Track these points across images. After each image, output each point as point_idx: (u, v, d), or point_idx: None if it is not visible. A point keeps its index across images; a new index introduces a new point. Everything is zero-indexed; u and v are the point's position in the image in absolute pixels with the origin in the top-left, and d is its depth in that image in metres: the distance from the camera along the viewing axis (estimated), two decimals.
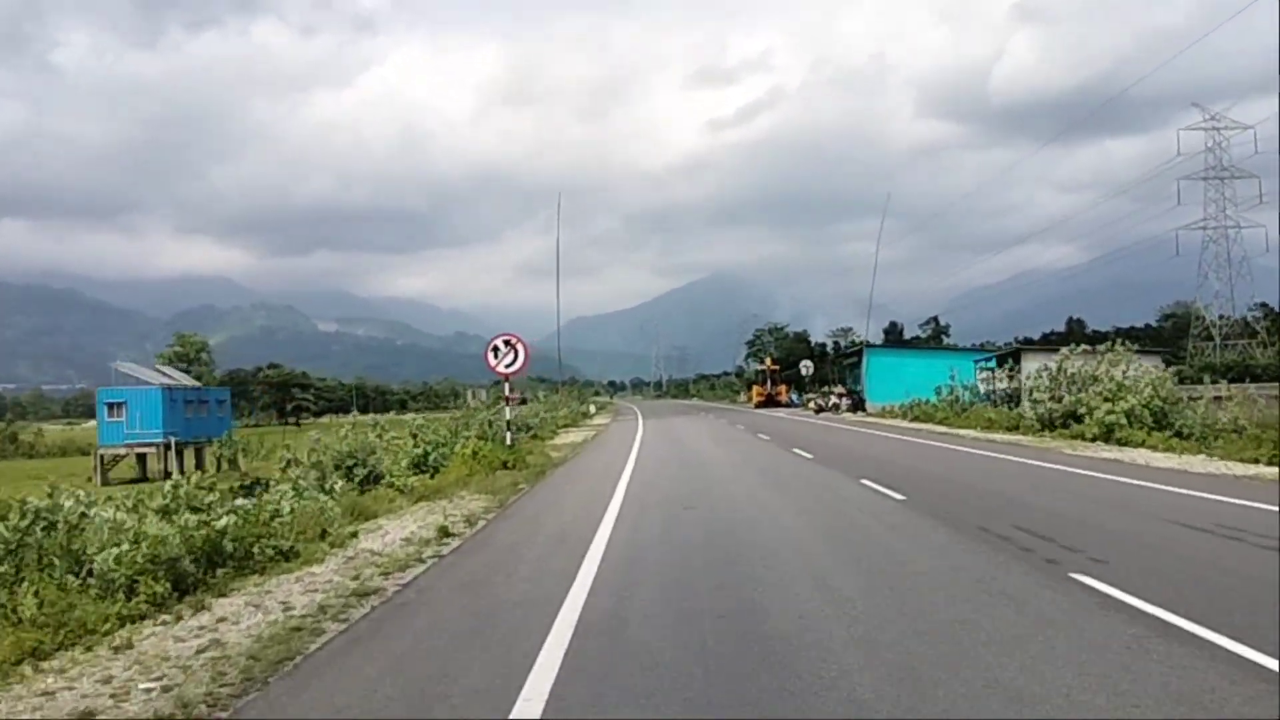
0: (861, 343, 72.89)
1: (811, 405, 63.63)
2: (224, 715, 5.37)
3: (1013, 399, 36.23)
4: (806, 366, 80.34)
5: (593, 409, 78.37)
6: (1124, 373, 26.89)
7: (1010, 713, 4.77)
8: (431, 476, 20.04)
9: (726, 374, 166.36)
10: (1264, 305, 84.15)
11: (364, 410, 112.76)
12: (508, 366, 24.19)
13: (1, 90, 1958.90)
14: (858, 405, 55.15)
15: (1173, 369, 31.67)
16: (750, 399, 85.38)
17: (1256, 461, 17.82)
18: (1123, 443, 23.64)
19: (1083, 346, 30.41)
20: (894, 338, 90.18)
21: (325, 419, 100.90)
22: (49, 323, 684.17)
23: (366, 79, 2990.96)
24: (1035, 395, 30.20)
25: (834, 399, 57.83)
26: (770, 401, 79.10)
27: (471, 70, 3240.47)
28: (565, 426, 49.44)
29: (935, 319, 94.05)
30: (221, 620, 7.61)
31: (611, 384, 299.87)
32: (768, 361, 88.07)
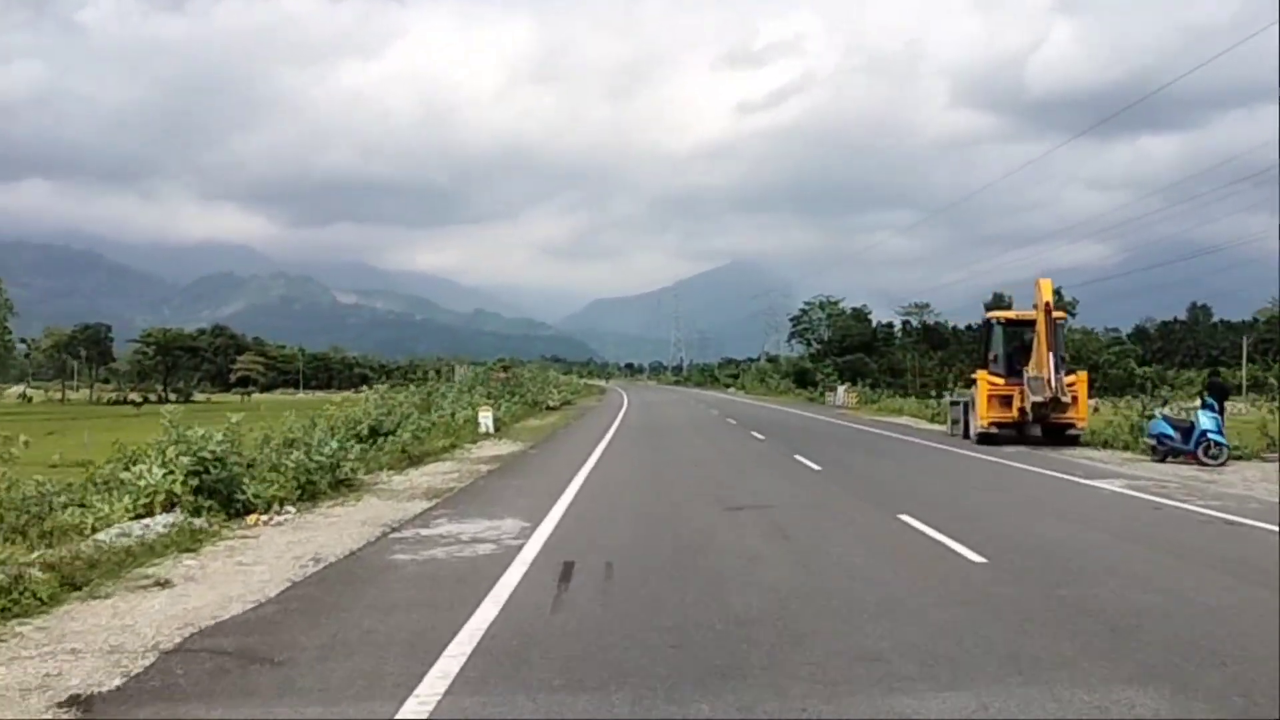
0: None
1: None
2: None
3: None
4: None
5: (480, 422, 32.75)
6: None
7: None
8: None
9: (751, 359, 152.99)
10: None
11: (326, 385, 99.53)
12: None
13: (24, 49, 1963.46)
14: None
15: None
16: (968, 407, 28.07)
17: None
18: None
19: None
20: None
21: (276, 393, 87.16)
22: (67, 284, 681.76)
23: (392, 51, 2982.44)
24: None
25: None
26: (1043, 419, 25.00)
27: (498, 45, 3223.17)
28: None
29: (1058, 291, 77.69)
30: None
31: (629, 366, 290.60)
32: (1043, 289, 25.12)
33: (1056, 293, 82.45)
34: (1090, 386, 32.91)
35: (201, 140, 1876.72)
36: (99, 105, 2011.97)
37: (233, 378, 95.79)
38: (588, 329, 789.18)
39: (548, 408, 47.27)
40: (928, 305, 73.09)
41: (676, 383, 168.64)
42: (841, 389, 57.79)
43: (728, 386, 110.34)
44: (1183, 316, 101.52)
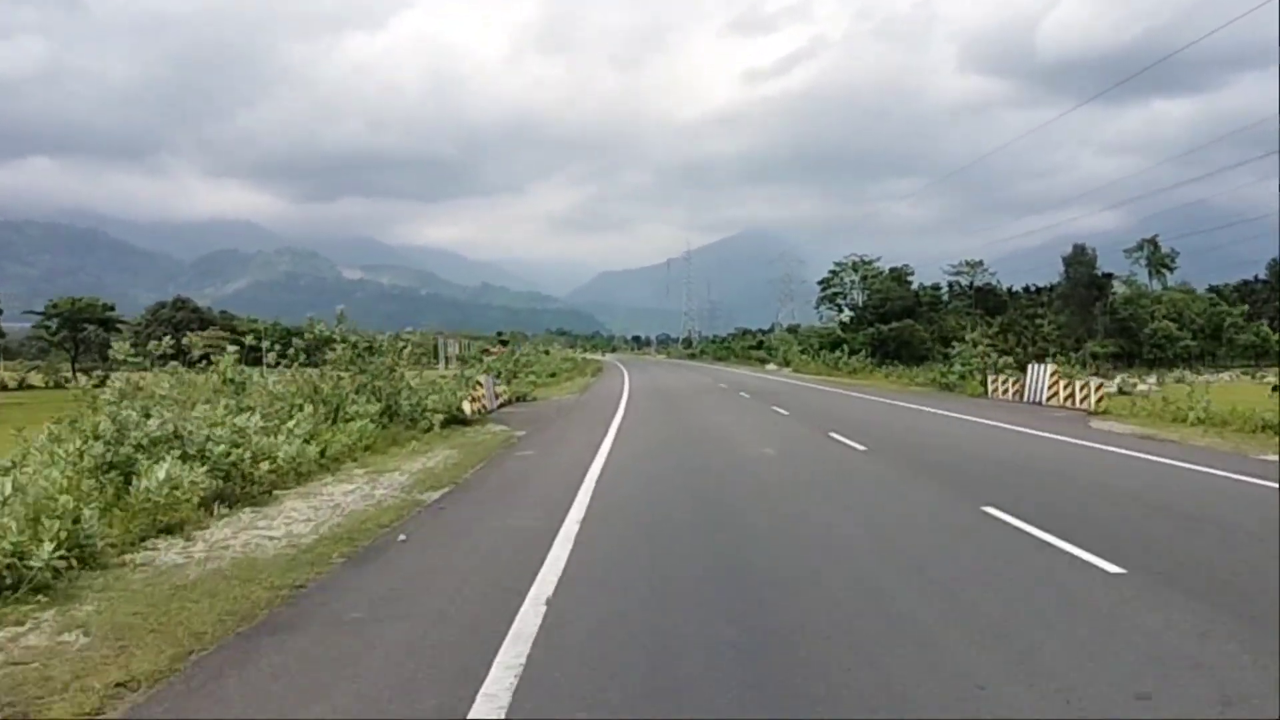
0: None
1: None
2: None
3: None
4: None
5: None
6: None
7: None
8: None
9: (763, 330, 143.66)
10: None
11: (306, 363, 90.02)
12: None
13: (27, 24, 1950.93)
14: None
15: None
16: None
17: None
18: None
19: None
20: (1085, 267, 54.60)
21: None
22: (72, 262, 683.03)
23: (399, 21, 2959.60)
24: None
25: None
26: None
27: (505, 14, 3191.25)
28: None
29: (1153, 240, 66.83)
30: None
31: (636, 339, 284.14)
32: None
33: (1152, 243, 72.88)
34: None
35: (207, 115, 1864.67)
36: (103, 80, 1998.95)
37: (194, 354, 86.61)
38: (596, 301, 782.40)
39: (451, 420, 21.66)
40: (980, 263, 62.45)
41: (691, 356, 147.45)
42: (1044, 371, 30.08)
43: (764, 363, 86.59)
44: (1248, 277, 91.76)
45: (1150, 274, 72.96)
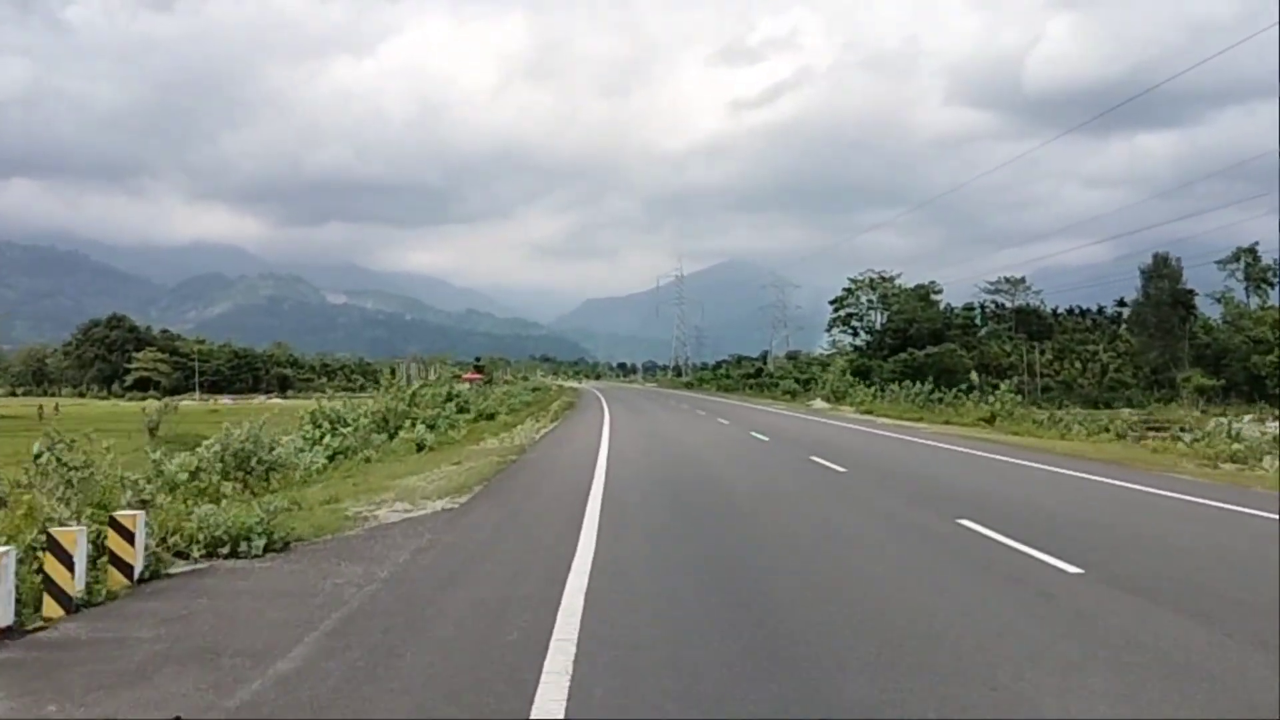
0: None
1: None
2: None
3: None
4: None
5: None
6: None
7: None
8: None
9: (750, 358, 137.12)
10: None
11: (253, 388, 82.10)
12: None
13: (11, 47, 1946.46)
14: None
15: None
16: None
17: None
18: None
19: None
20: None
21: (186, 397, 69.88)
22: (52, 284, 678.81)
23: (385, 48, 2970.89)
24: None
25: None
26: None
27: (492, 42, 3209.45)
28: None
29: (1251, 250, 58.20)
30: None
31: (622, 366, 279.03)
32: None
33: (1250, 253, 64.90)
34: None
35: (191, 139, 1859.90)
36: (87, 104, 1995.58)
37: (129, 379, 77.79)
38: (581, 329, 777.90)
39: None
40: (1022, 281, 54.44)
41: (687, 385, 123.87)
42: None
43: (792, 395, 63.90)
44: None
45: (1248, 290, 62.00)
